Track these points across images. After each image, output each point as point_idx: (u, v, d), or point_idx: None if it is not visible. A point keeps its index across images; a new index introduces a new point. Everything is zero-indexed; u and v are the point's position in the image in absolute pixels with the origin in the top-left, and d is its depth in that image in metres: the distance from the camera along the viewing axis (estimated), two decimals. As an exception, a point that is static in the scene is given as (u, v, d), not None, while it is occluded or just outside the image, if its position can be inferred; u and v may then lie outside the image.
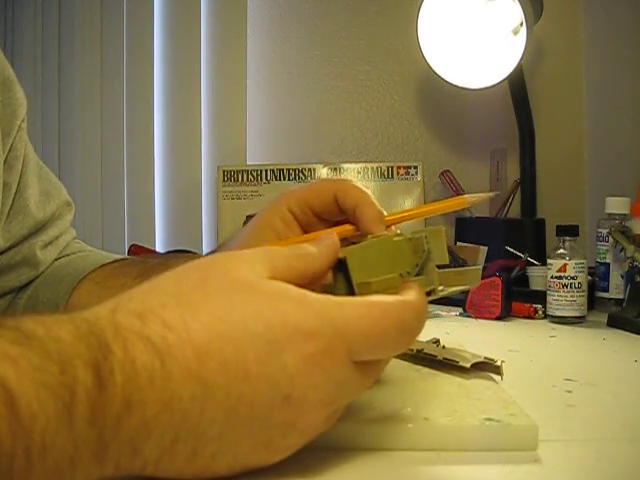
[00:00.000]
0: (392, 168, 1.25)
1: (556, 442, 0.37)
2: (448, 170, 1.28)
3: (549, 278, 0.85)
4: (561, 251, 0.85)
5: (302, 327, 0.29)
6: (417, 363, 0.49)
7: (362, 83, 1.39)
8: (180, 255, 0.54)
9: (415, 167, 1.25)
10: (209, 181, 1.37)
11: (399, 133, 1.39)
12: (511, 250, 1.04)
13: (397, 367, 0.48)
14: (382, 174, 1.25)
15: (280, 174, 1.27)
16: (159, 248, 1.35)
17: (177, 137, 1.36)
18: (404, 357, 0.50)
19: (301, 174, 1.26)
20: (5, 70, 0.57)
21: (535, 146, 1.21)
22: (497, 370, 0.46)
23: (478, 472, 0.34)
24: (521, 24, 1.03)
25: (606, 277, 0.91)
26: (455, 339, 0.58)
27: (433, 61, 1.12)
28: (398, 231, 0.42)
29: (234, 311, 0.28)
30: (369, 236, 0.39)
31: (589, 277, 0.88)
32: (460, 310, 0.90)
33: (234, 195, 1.27)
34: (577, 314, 0.83)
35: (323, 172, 1.26)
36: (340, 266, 0.34)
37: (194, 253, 0.85)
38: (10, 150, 0.57)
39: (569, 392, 0.49)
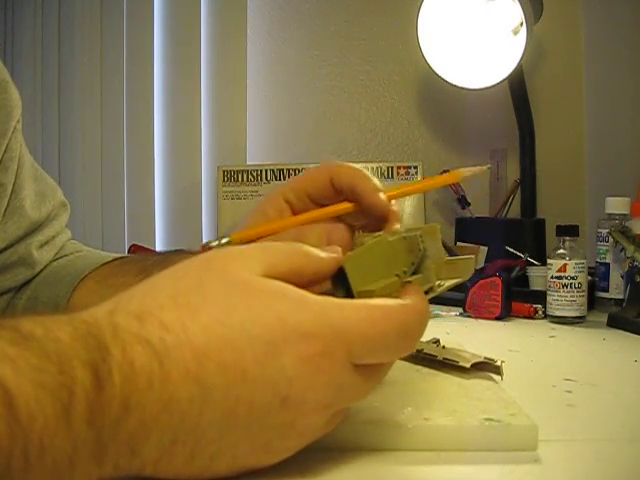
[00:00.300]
0: (392, 168, 1.25)
1: (556, 442, 0.37)
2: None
3: (549, 278, 0.85)
4: (561, 251, 0.85)
5: (300, 329, 0.29)
6: (417, 363, 0.49)
7: (362, 83, 1.39)
8: (180, 252, 0.53)
9: (415, 167, 1.25)
10: (209, 181, 1.37)
11: (399, 133, 1.39)
12: (511, 250, 1.04)
13: (397, 367, 0.47)
14: (382, 174, 1.25)
15: (280, 174, 1.27)
16: (159, 248, 1.35)
17: (177, 137, 1.36)
18: (404, 357, 0.49)
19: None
20: (0, 72, 0.57)
21: (535, 146, 1.21)
22: (497, 370, 0.46)
23: (478, 472, 0.34)
24: (521, 24, 1.03)
25: (606, 277, 0.91)
26: (455, 339, 0.58)
27: (433, 61, 1.12)
28: (398, 226, 0.42)
29: (232, 313, 0.28)
30: (358, 233, 0.39)
31: (589, 277, 0.88)
32: (460, 310, 0.90)
33: (234, 195, 1.27)
34: (577, 314, 0.83)
35: (323, 172, 1.26)
36: (338, 274, 0.34)
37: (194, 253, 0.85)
38: (5, 151, 0.57)
39: (569, 392, 0.49)
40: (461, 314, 0.89)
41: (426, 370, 0.48)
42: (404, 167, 1.25)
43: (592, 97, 1.31)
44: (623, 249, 0.85)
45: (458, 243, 1.18)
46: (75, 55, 1.33)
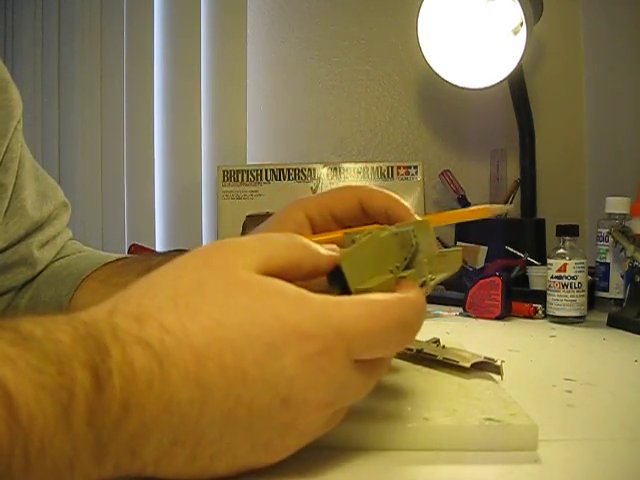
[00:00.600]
0: (392, 168, 1.25)
1: (556, 442, 0.37)
2: (448, 170, 1.28)
3: (549, 278, 0.85)
4: (561, 251, 0.85)
5: (300, 328, 0.29)
6: (417, 363, 0.49)
7: (362, 83, 1.39)
8: (183, 253, 0.53)
9: (415, 167, 1.25)
10: (209, 181, 1.37)
11: (399, 133, 1.39)
12: (511, 250, 1.04)
13: (397, 367, 0.48)
14: (382, 174, 1.25)
15: (280, 174, 1.27)
16: (159, 248, 1.35)
17: (177, 137, 1.36)
18: (404, 357, 0.50)
19: (301, 174, 1.26)
20: (0, 71, 0.57)
21: (535, 146, 1.21)
22: (497, 370, 0.46)
23: (478, 472, 0.34)
24: (521, 24, 1.04)
25: (606, 277, 0.91)
26: (455, 339, 0.58)
27: (433, 61, 1.12)
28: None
29: (232, 313, 0.28)
30: (345, 231, 0.39)
31: (589, 277, 0.88)
32: (460, 310, 0.90)
33: (234, 195, 1.27)
34: (577, 314, 0.83)
35: (323, 172, 1.26)
36: (334, 272, 0.34)
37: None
38: (6, 151, 0.57)
39: (569, 392, 0.49)
40: (461, 314, 0.89)
41: (426, 370, 0.47)
42: (404, 167, 1.25)
43: (592, 97, 1.32)
44: (623, 249, 0.85)
45: (458, 243, 1.18)
46: (75, 55, 1.33)
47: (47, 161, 1.30)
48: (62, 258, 0.64)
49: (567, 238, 0.86)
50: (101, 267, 0.60)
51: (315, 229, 0.45)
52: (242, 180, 1.27)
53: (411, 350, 0.49)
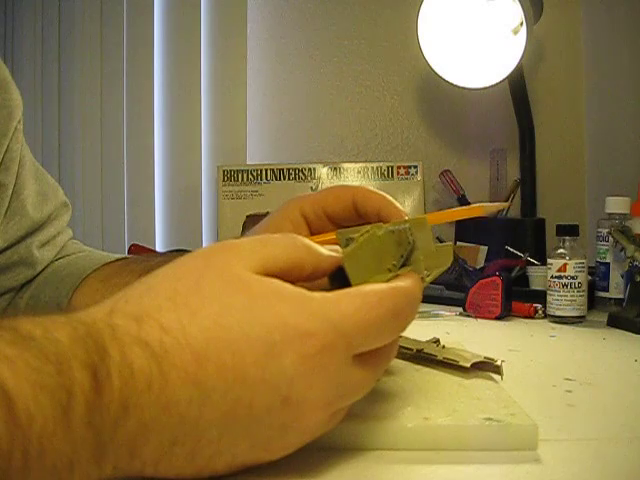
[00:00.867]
0: (392, 168, 1.25)
1: (556, 442, 0.37)
2: (448, 170, 1.28)
3: (549, 278, 0.85)
4: (561, 251, 0.85)
5: (300, 328, 0.29)
6: (417, 363, 0.49)
7: (362, 83, 1.39)
8: (183, 253, 0.53)
9: (415, 167, 1.25)
10: (209, 181, 1.37)
11: (399, 133, 1.39)
12: (511, 250, 1.04)
13: (397, 367, 0.48)
14: (382, 174, 1.25)
15: (280, 174, 1.27)
16: (159, 248, 1.35)
17: (177, 137, 1.36)
18: (404, 357, 0.50)
19: (301, 174, 1.26)
20: (1, 71, 0.57)
21: (535, 146, 1.20)
22: (497, 370, 0.46)
23: (478, 472, 0.34)
24: (521, 24, 1.03)
25: (606, 277, 0.91)
26: (455, 339, 0.58)
27: (433, 61, 1.12)
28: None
29: (231, 314, 0.28)
30: (338, 231, 0.39)
31: (589, 277, 0.88)
32: (460, 310, 0.90)
33: (234, 195, 1.27)
34: (577, 314, 0.83)
35: (323, 172, 1.26)
36: (336, 272, 0.34)
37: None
38: (6, 151, 0.57)
39: (569, 392, 0.49)
40: (461, 314, 0.89)
41: (426, 370, 0.47)
42: (404, 167, 1.25)
43: (592, 97, 1.32)
44: (623, 249, 0.85)
45: (458, 243, 1.18)
46: (75, 55, 1.33)
47: (47, 161, 1.30)
48: (62, 258, 0.64)
49: (567, 238, 0.85)
50: (101, 267, 0.60)
51: (310, 228, 0.45)
52: (242, 180, 1.27)
53: (411, 350, 0.50)
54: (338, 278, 0.34)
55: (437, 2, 1.11)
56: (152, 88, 1.35)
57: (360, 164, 1.27)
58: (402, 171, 1.25)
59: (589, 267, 0.87)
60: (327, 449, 0.33)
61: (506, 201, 1.21)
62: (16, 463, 0.22)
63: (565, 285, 0.83)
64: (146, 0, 1.34)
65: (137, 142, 1.35)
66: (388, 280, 0.34)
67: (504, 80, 1.08)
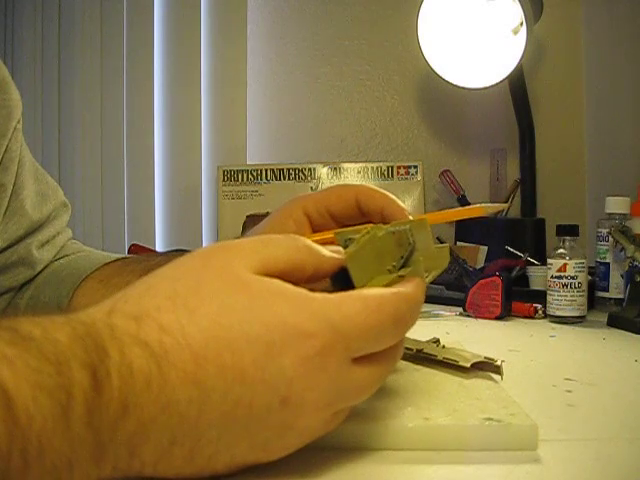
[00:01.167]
0: (392, 168, 1.25)
1: (556, 442, 0.37)
2: (448, 170, 1.28)
3: (549, 278, 0.85)
4: (561, 251, 0.85)
5: (300, 329, 0.29)
6: (417, 363, 0.49)
7: (362, 83, 1.39)
8: (183, 253, 0.53)
9: (415, 167, 1.25)
10: (209, 181, 1.37)
11: (399, 133, 1.39)
12: (511, 250, 1.04)
13: (397, 367, 0.47)
14: (382, 174, 1.25)
15: (280, 174, 1.27)
16: (159, 248, 1.35)
17: (177, 137, 1.36)
18: (404, 357, 0.50)
19: (301, 174, 1.26)
20: (0, 71, 0.57)
21: (535, 146, 1.21)
22: (497, 370, 0.46)
23: (478, 472, 0.34)
24: (521, 24, 1.03)
25: (606, 277, 0.91)
26: (455, 339, 0.58)
27: (433, 61, 1.12)
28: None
29: (231, 314, 0.28)
30: (336, 231, 0.39)
31: (589, 277, 0.88)
32: (460, 310, 0.90)
33: (234, 195, 1.27)
34: (577, 314, 0.83)
35: (323, 172, 1.26)
36: (338, 273, 0.34)
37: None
38: (5, 151, 0.57)
39: (569, 392, 0.49)
40: (461, 314, 0.89)
41: (426, 370, 0.47)
42: (404, 167, 1.25)
43: (592, 97, 1.32)
44: (623, 249, 0.85)
45: (458, 243, 1.18)
46: (75, 55, 1.33)
47: (47, 161, 1.30)
48: (62, 258, 0.64)
49: (567, 238, 0.85)
50: (101, 267, 0.60)
51: (313, 226, 0.45)
52: (242, 180, 1.27)
53: (411, 350, 0.49)
54: (340, 280, 0.34)
55: (437, 2, 1.11)
56: (152, 88, 1.35)
57: (360, 164, 1.27)
58: (402, 171, 1.25)
59: (589, 267, 0.87)
60: (327, 449, 0.33)
61: (506, 201, 1.21)
62: (15, 463, 0.22)
63: (565, 285, 0.83)
64: (146, 0, 1.34)
65: (137, 142, 1.35)
66: (389, 281, 0.34)
67: (504, 80, 1.09)
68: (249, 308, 0.29)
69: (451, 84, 1.13)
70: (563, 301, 0.83)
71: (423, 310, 0.91)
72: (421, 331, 0.50)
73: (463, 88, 1.13)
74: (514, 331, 0.80)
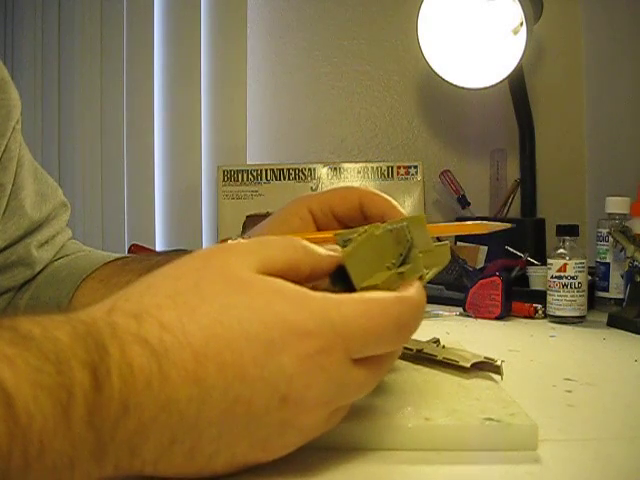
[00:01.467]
0: (392, 168, 1.25)
1: (556, 442, 0.37)
2: (448, 170, 1.28)
3: (549, 278, 0.85)
4: (561, 251, 0.85)
5: (299, 327, 0.29)
6: (417, 363, 0.49)
7: (362, 83, 1.39)
8: (183, 253, 0.53)
9: (415, 167, 1.25)
10: (209, 181, 1.37)
11: (399, 133, 1.39)
12: (511, 250, 1.04)
13: (397, 367, 0.48)
14: (382, 174, 1.25)
15: (280, 174, 1.27)
16: (159, 248, 1.35)
17: (177, 137, 1.36)
18: (404, 357, 0.50)
19: (301, 174, 1.26)
20: (0, 71, 0.57)
21: (535, 146, 1.21)
22: (497, 370, 0.46)
23: (478, 472, 0.34)
24: (521, 24, 1.04)
25: (606, 277, 0.91)
26: (455, 339, 0.58)
27: (433, 61, 1.12)
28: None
29: (231, 312, 0.28)
30: (337, 232, 0.39)
31: (589, 277, 0.88)
32: (460, 310, 0.90)
33: (234, 195, 1.27)
34: (577, 314, 0.83)
35: (323, 172, 1.26)
36: (336, 271, 0.34)
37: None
38: (4, 151, 0.57)
39: (569, 392, 0.49)
40: (461, 314, 0.89)
41: (426, 370, 0.47)
42: (404, 167, 1.25)
43: (592, 97, 1.32)
44: (623, 249, 0.85)
45: (458, 243, 1.18)
46: (75, 55, 1.33)
47: (47, 161, 1.30)
48: (62, 258, 0.64)
49: (567, 238, 0.85)
50: (101, 267, 0.60)
51: (317, 225, 0.46)
52: (242, 180, 1.27)
53: (411, 350, 0.49)
54: (340, 279, 0.34)
55: (437, 2, 1.11)
56: (152, 88, 1.35)
57: (360, 164, 1.27)
58: (402, 171, 1.25)
59: (589, 267, 0.87)
60: (327, 449, 0.33)
61: (506, 201, 1.22)
62: (16, 462, 0.22)
63: (565, 285, 0.83)
64: (146, 0, 1.34)
65: (137, 142, 1.35)
66: (389, 278, 0.34)
67: (504, 80, 1.09)
68: (249, 307, 0.29)
69: (451, 84, 1.13)
70: (563, 301, 0.83)
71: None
72: (421, 331, 0.50)
73: (463, 88, 1.13)
74: (514, 331, 0.80)
